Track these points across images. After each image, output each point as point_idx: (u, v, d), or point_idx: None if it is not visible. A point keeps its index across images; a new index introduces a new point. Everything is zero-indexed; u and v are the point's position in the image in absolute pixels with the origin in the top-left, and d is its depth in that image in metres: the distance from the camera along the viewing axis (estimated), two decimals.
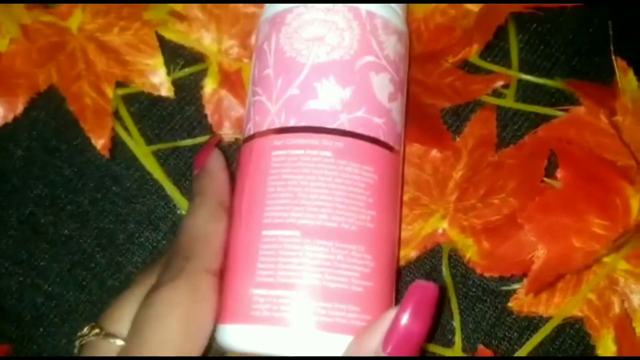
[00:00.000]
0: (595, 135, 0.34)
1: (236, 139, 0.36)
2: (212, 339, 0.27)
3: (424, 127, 0.35)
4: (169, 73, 0.36)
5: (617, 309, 0.33)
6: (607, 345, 0.33)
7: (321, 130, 0.27)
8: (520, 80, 0.37)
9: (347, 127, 0.28)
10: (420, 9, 0.37)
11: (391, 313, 0.25)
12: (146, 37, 0.36)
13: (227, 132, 0.36)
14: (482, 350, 0.34)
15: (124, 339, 0.27)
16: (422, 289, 0.25)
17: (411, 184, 0.35)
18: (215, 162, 0.31)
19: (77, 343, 0.28)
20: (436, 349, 0.34)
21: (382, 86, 0.29)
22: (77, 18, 0.36)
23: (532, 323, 0.35)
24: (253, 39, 0.35)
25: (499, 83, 0.37)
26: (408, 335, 0.25)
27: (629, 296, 0.33)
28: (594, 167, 0.33)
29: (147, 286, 0.27)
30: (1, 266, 0.36)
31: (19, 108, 0.35)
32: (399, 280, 0.34)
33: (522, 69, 0.37)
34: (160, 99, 0.37)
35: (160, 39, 0.36)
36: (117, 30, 0.36)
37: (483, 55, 0.37)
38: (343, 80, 0.28)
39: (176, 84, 0.37)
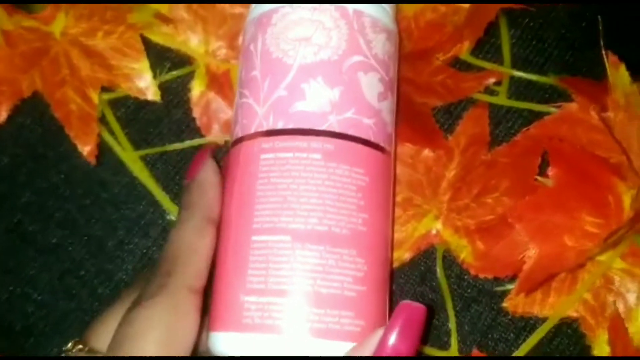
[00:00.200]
0: (588, 132, 0.34)
1: (226, 142, 0.36)
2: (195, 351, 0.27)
3: (415, 126, 0.35)
4: (155, 76, 0.36)
5: (612, 308, 0.33)
6: (603, 345, 0.33)
7: (310, 132, 0.27)
8: (512, 77, 0.37)
9: (336, 129, 0.27)
10: (410, 7, 0.37)
11: (379, 332, 0.25)
12: (131, 41, 0.35)
13: (216, 135, 0.36)
14: (477, 354, 0.34)
15: (105, 355, 0.26)
16: (410, 309, 0.25)
17: (404, 184, 0.35)
18: (206, 174, 0.29)
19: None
20: (432, 352, 0.34)
21: (372, 86, 0.28)
22: (60, 22, 0.35)
23: (528, 324, 0.35)
24: (240, 40, 0.35)
25: (491, 80, 0.37)
26: (396, 355, 0.24)
27: (624, 295, 0.33)
28: (585, 164, 0.33)
29: (131, 301, 0.27)
30: None
31: (3, 115, 0.35)
32: (393, 283, 0.34)
33: (515, 65, 0.37)
34: (147, 103, 0.36)
35: (146, 42, 0.36)
36: (101, 34, 0.35)
37: (474, 52, 0.37)
38: (331, 81, 0.27)
39: (163, 88, 0.36)
